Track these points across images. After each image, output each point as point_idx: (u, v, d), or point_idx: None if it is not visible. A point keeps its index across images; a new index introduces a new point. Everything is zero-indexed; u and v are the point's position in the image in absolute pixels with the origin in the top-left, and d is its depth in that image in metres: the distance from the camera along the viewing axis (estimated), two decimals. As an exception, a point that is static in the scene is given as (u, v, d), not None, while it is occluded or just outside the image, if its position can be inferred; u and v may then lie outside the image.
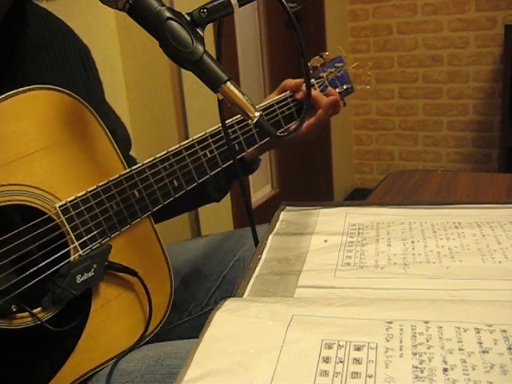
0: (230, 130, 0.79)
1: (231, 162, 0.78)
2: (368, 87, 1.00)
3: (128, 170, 0.68)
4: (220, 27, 0.61)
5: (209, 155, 0.76)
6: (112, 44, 1.46)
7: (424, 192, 0.98)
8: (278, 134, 0.62)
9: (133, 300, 0.68)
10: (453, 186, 1.00)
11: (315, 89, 0.94)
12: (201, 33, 0.55)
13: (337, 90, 0.96)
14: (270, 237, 0.62)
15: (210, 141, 0.76)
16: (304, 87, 0.91)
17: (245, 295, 0.50)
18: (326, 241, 0.60)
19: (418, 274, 0.50)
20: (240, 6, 0.56)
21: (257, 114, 0.55)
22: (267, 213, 0.86)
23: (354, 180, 3.32)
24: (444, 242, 0.56)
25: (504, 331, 0.37)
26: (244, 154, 0.83)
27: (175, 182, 0.72)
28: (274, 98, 0.89)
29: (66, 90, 0.65)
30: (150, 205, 0.69)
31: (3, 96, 0.59)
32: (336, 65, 0.97)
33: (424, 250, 0.55)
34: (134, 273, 0.66)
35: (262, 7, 2.27)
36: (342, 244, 0.58)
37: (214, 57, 0.56)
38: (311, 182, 2.76)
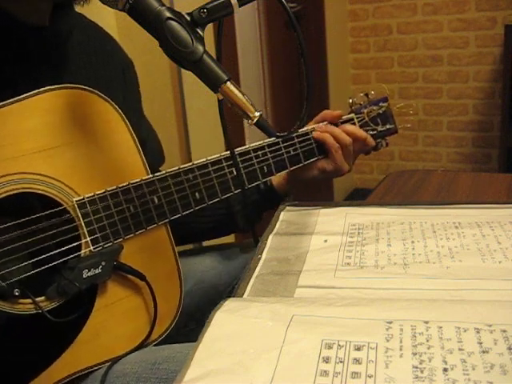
0: (259, 152, 0.79)
1: (257, 183, 0.78)
2: (409, 125, 0.99)
3: (150, 175, 0.68)
4: (220, 27, 0.61)
5: (235, 173, 0.76)
6: (112, 44, 1.46)
7: (424, 192, 0.98)
8: (278, 134, 0.62)
9: (139, 304, 0.68)
10: (453, 186, 1.00)
11: (354, 123, 0.93)
12: (201, 33, 0.55)
13: (378, 127, 0.95)
14: (270, 237, 0.62)
15: (238, 160, 0.76)
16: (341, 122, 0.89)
17: (245, 295, 0.50)
18: (326, 241, 0.60)
19: (418, 273, 0.50)
20: (240, 6, 0.56)
21: (257, 113, 0.55)
22: (267, 213, 0.86)
23: (353, 180, 3.31)
24: (444, 242, 0.56)
25: (504, 331, 0.37)
26: (271, 178, 0.82)
27: (197, 194, 0.71)
28: (310, 126, 0.88)
29: (93, 90, 0.65)
30: (168, 213, 0.69)
31: (33, 92, 0.61)
32: (380, 104, 0.97)
33: (424, 250, 0.55)
34: (142, 277, 0.66)
35: (262, 7, 2.26)
36: (342, 244, 0.58)
37: (214, 57, 0.56)
38: (311, 182, 2.75)
